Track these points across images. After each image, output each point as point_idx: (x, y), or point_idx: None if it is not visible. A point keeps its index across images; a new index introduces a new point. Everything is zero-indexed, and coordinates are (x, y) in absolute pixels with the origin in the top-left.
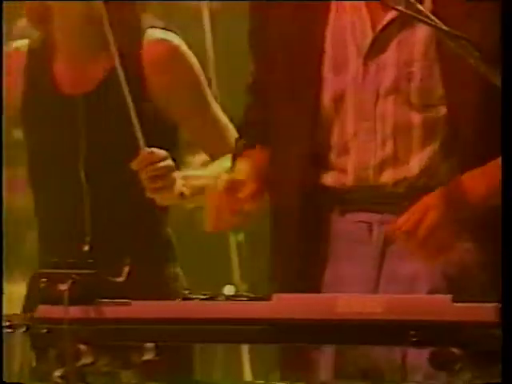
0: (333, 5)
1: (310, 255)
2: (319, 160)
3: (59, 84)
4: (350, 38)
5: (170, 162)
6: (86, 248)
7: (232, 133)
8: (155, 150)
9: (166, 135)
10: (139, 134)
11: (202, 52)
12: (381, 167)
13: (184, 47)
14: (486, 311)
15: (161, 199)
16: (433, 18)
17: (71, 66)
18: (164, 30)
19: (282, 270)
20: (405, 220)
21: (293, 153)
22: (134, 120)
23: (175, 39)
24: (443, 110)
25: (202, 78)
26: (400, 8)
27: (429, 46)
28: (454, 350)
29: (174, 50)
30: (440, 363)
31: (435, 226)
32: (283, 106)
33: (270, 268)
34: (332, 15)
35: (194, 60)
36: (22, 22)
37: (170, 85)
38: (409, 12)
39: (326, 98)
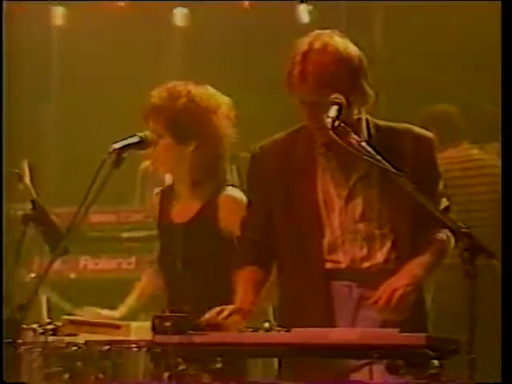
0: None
1: (315, 306)
2: (319, 258)
3: (171, 216)
4: (333, 189)
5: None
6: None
7: None
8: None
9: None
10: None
11: None
12: (361, 259)
13: (244, 200)
14: (419, 338)
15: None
16: (386, 164)
17: (178, 203)
18: (235, 188)
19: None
20: (378, 297)
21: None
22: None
23: (239, 194)
24: (388, 226)
25: None
26: (369, 159)
27: (380, 193)
28: (400, 361)
29: (240, 203)
30: (392, 370)
31: (400, 301)
32: (287, 230)
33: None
34: (319, 173)
35: None
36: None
37: (234, 222)
38: (373, 161)
39: (324, 223)
